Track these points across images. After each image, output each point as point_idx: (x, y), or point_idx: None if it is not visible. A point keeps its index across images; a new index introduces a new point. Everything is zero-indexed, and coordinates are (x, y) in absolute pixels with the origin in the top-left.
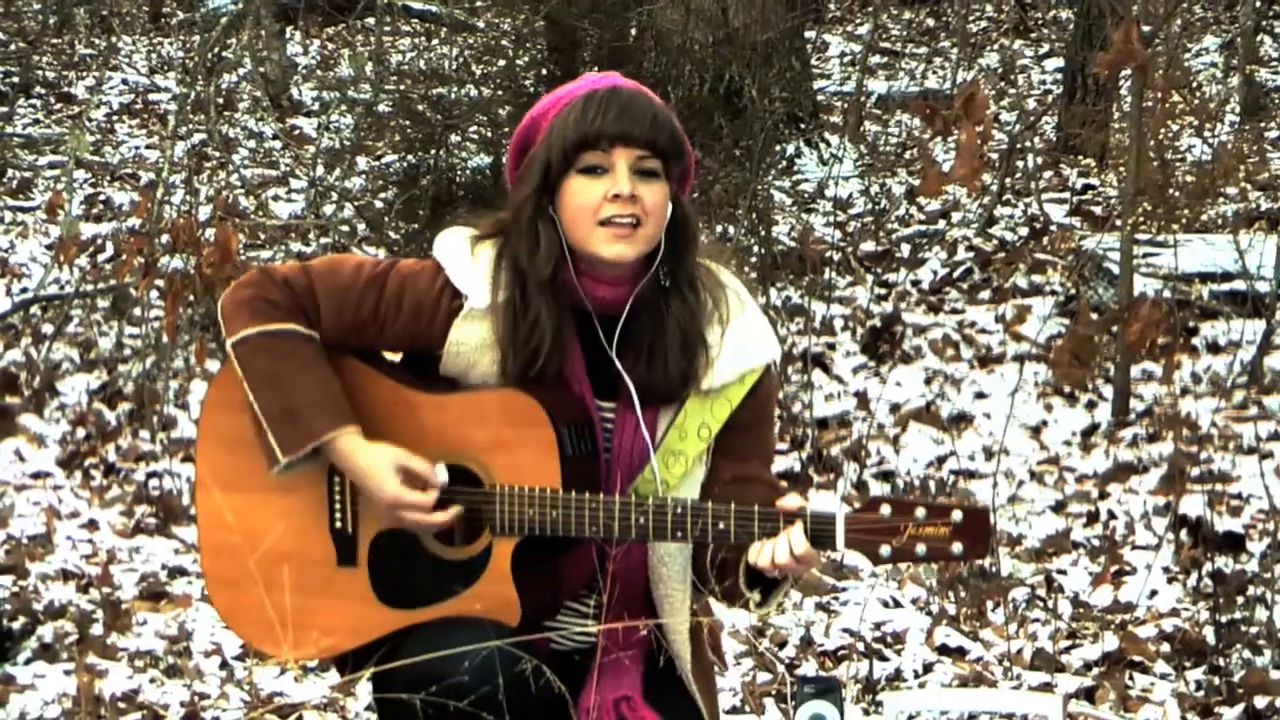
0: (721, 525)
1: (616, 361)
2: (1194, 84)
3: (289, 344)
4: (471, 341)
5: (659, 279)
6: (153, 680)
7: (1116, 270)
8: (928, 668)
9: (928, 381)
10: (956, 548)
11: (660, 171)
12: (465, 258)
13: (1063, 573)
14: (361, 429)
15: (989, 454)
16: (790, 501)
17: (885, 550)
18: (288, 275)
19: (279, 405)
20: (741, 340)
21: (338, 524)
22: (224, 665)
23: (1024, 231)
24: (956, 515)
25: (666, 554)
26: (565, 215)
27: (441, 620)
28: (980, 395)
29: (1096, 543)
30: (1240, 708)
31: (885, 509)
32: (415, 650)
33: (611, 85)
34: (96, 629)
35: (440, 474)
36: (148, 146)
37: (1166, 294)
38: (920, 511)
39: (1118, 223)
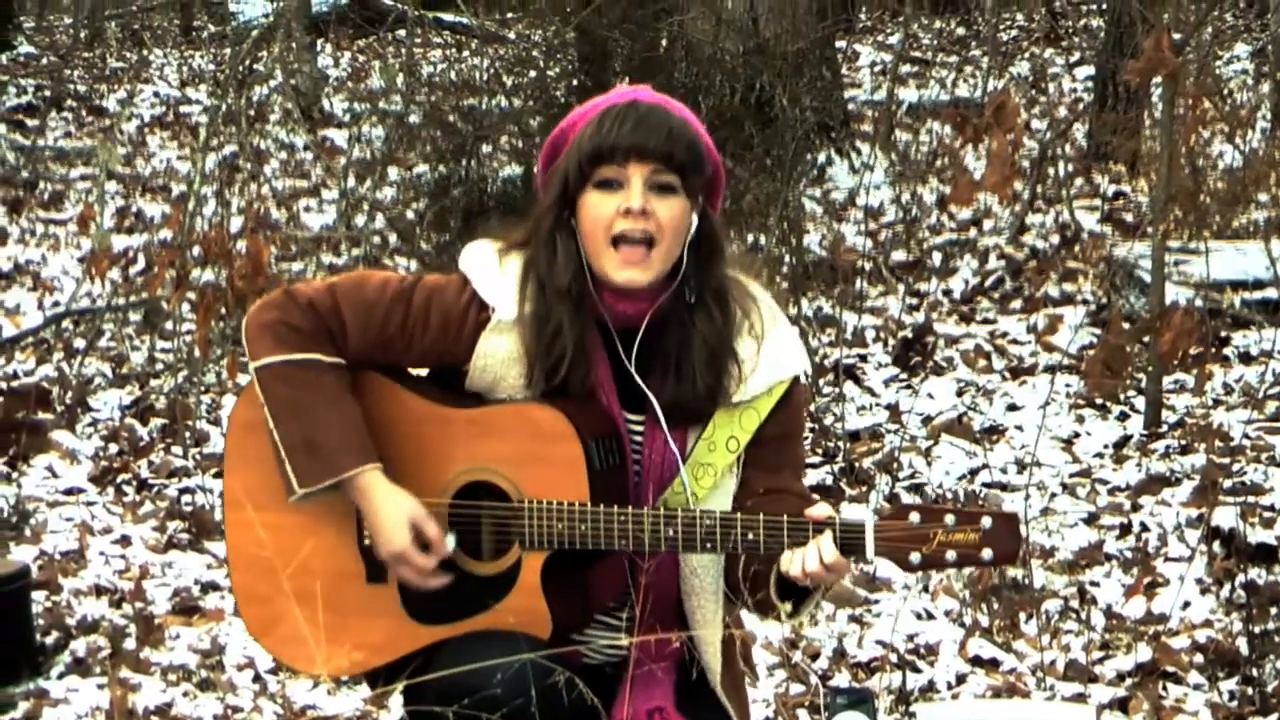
0: (751, 536)
1: (636, 377)
2: (1225, 91)
3: (312, 374)
4: (499, 354)
5: (684, 294)
6: (186, 694)
7: (1148, 278)
8: (961, 679)
9: (960, 393)
10: (986, 554)
11: (678, 186)
12: (493, 269)
13: (1095, 584)
14: (383, 466)
15: (1021, 466)
16: (819, 510)
17: (915, 557)
18: (313, 296)
19: (300, 436)
20: (775, 353)
21: (367, 540)
22: (257, 679)
23: (1055, 240)
24: (986, 521)
25: (699, 566)
26: (583, 229)
27: (473, 633)
28: (1012, 407)
29: (1129, 554)
30: (1274, 717)
31: (914, 516)
32: (447, 664)
33: (632, 98)
34: (129, 643)
35: (449, 544)
36: (179, 159)
37: (1198, 302)
38: (950, 518)
39: (1149, 230)
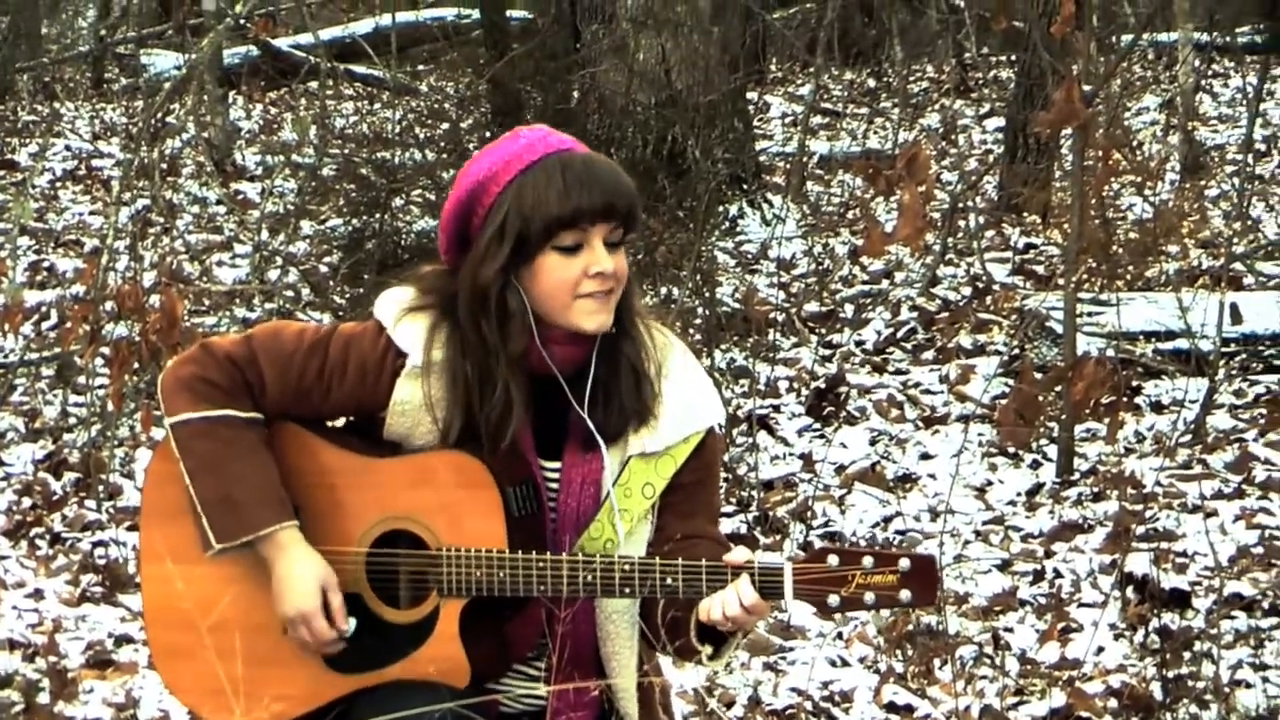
0: (670, 581)
1: (588, 420)
2: (1135, 143)
3: (229, 430)
4: (415, 400)
5: (611, 327)
6: None
7: (1060, 329)
8: None
9: (873, 442)
10: (905, 595)
11: (623, 237)
12: (406, 317)
13: (1010, 630)
14: (299, 523)
15: (935, 514)
16: (737, 555)
17: (834, 600)
18: (229, 350)
19: (217, 492)
20: (688, 399)
21: None
22: None
23: (967, 291)
24: (904, 563)
25: (614, 611)
26: (537, 289)
27: (392, 683)
28: (925, 456)
29: (1043, 600)
30: None
31: (833, 559)
32: (366, 714)
33: (571, 152)
34: (43, 698)
35: (350, 624)
36: (92, 213)
37: (1110, 352)
38: (868, 560)
39: (1060, 281)
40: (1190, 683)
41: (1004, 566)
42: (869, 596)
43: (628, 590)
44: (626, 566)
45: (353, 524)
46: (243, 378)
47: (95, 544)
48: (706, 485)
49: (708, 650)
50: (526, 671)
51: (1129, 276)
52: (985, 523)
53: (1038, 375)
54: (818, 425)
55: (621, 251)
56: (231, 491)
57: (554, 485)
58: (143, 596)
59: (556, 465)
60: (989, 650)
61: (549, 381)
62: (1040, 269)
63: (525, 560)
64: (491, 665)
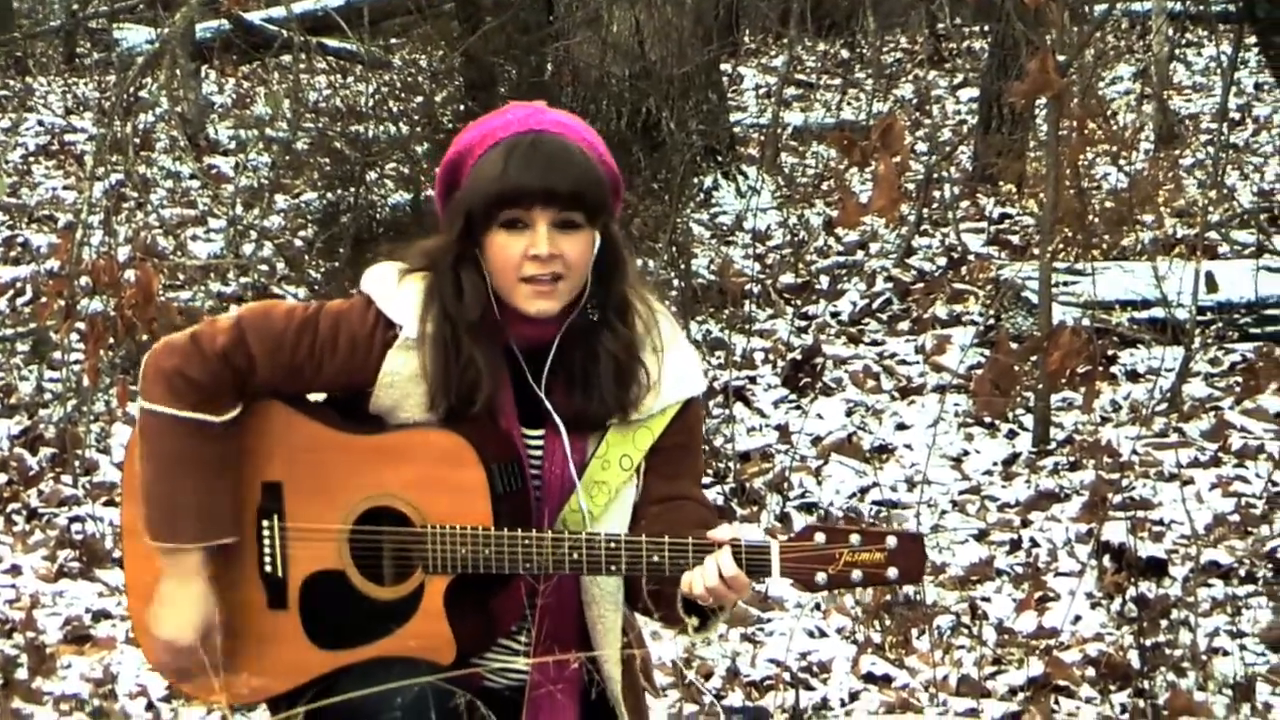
0: (656, 558)
1: (545, 401)
2: (1109, 112)
3: (194, 438)
4: (405, 372)
5: (588, 312)
6: None
7: (1035, 299)
8: (854, 696)
9: (849, 413)
10: (892, 572)
11: (582, 221)
12: (396, 289)
13: (987, 600)
14: (214, 549)
15: (911, 484)
16: (723, 532)
17: (821, 577)
18: (219, 344)
19: (162, 491)
20: (674, 372)
21: (267, 567)
22: (150, 707)
23: (942, 261)
24: (891, 540)
25: (599, 581)
26: (490, 264)
27: (375, 659)
28: (902, 426)
29: (1020, 570)
30: None
31: (820, 536)
32: (347, 689)
33: (535, 133)
34: (21, 674)
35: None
36: (65, 188)
37: (1086, 322)
38: (855, 538)
39: (1036, 251)
40: (1167, 651)
41: (981, 536)
42: (856, 574)
43: (614, 568)
44: (612, 544)
45: (337, 500)
46: (230, 371)
47: (72, 519)
48: (689, 449)
49: (694, 621)
50: (511, 646)
51: (1104, 246)
52: (962, 493)
53: (1013, 345)
54: (794, 396)
55: (578, 236)
56: (175, 496)
57: (538, 454)
58: (125, 572)
59: (540, 433)
60: (966, 620)
61: (535, 356)
62: (1015, 239)
63: (511, 538)
64: (476, 641)
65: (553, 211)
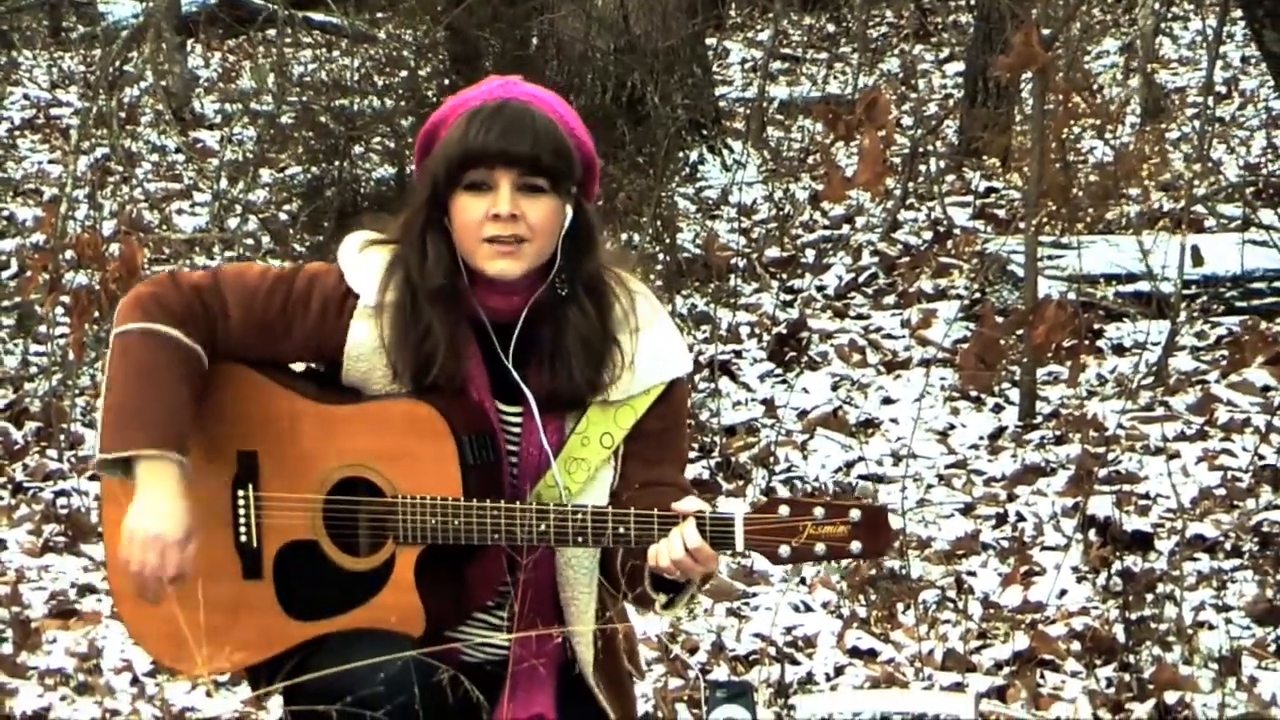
0: (622, 530)
1: (513, 371)
2: (1095, 86)
3: (166, 351)
4: (369, 343)
5: (556, 287)
6: (64, 698)
7: (1021, 273)
8: (839, 670)
9: (835, 387)
10: (855, 546)
11: (547, 187)
12: (358, 256)
13: (972, 574)
14: (187, 466)
15: (897, 458)
16: (688, 504)
17: (785, 550)
18: (195, 281)
19: (123, 400)
20: (656, 350)
21: (242, 538)
22: (135, 681)
23: (928, 235)
24: (854, 514)
25: (574, 557)
26: (455, 229)
27: (349, 632)
28: (887, 400)
29: (1006, 544)
30: (1151, 703)
31: (784, 509)
32: (324, 664)
33: (501, 98)
34: (6, 648)
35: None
36: (50, 161)
37: (1071, 296)
38: (819, 511)
39: (1021, 225)
40: (1153, 625)
41: (966, 510)
42: (819, 547)
43: (581, 540)
44: (579, 516)
45: (312, 469)
46: (202, 306)
47: (57, 494)
48: (673, 433)
49: (662, 598)
50: (488, 620)
51: (1090, 220)
52: (947, 467)
53: (999, 319)
54: (779, 371)
55: (542, 201)
56: (137, 404)
57: (515, 431)
58: (105, 543)
59: (518, 409)
60: (952, 594)
61: (505, 331)
62: (1001, 213)
63: (480, 509)
64: (449, 613)
65: (515, 174)
